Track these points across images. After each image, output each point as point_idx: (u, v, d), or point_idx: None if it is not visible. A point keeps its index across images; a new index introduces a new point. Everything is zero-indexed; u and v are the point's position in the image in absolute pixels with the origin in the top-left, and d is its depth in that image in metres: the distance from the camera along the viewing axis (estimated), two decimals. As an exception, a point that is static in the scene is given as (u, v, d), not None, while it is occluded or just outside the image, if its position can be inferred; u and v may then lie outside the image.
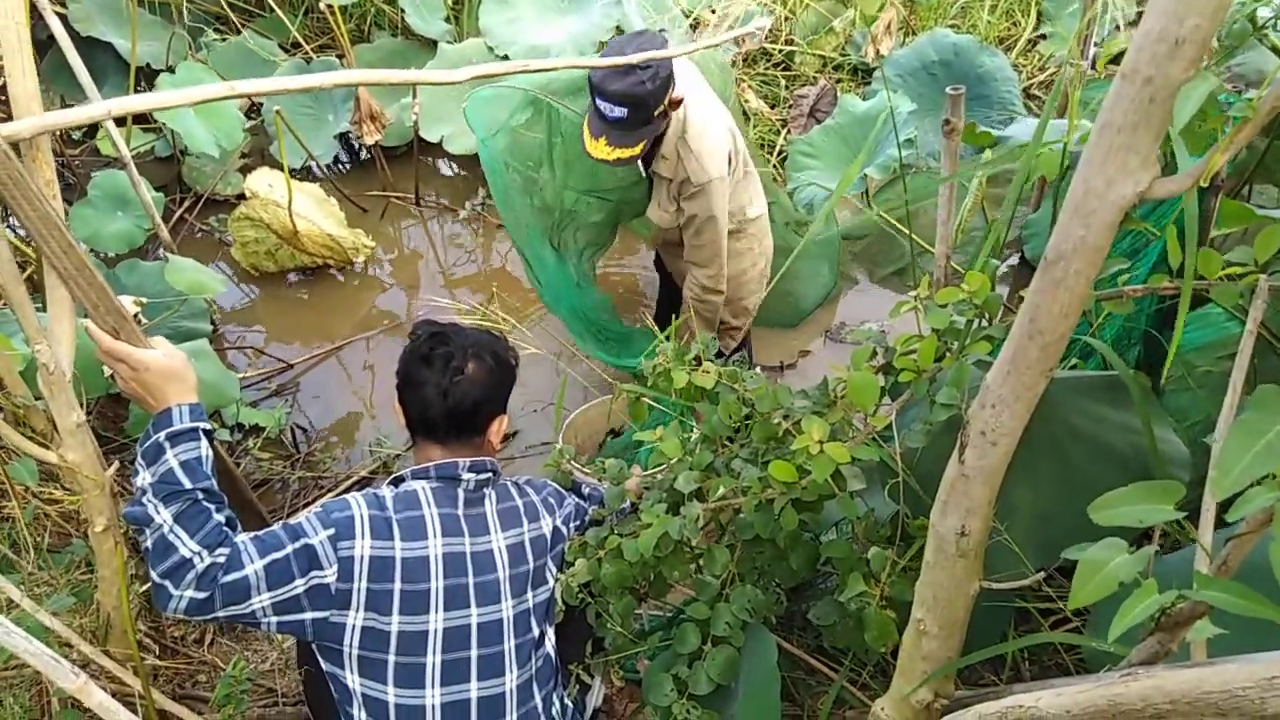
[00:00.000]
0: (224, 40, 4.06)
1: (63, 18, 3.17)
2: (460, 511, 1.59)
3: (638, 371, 1.74)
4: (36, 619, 1.48)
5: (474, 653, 1.52)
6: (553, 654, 1.66)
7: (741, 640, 1.51)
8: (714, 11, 4.47)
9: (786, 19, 4.61)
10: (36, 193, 1.30)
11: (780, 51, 4.58)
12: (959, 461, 1.11)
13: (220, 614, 1.38)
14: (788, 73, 4.56)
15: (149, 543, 1.38)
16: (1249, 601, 0.86)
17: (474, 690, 1.51)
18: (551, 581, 1.67)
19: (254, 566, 1.39)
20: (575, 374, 3.21)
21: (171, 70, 3.73)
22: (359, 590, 1.46)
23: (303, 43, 4.21)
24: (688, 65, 2.60)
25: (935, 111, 4.04)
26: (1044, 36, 4.66)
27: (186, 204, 3.87)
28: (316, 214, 3.50)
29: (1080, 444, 1.50)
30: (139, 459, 1.42)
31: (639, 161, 2.49)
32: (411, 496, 1.56)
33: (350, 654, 1.47)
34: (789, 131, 4.27)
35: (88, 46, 3.73)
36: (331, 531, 1.46)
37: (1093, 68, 3.06)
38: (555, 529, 1.70)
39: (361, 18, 4.37)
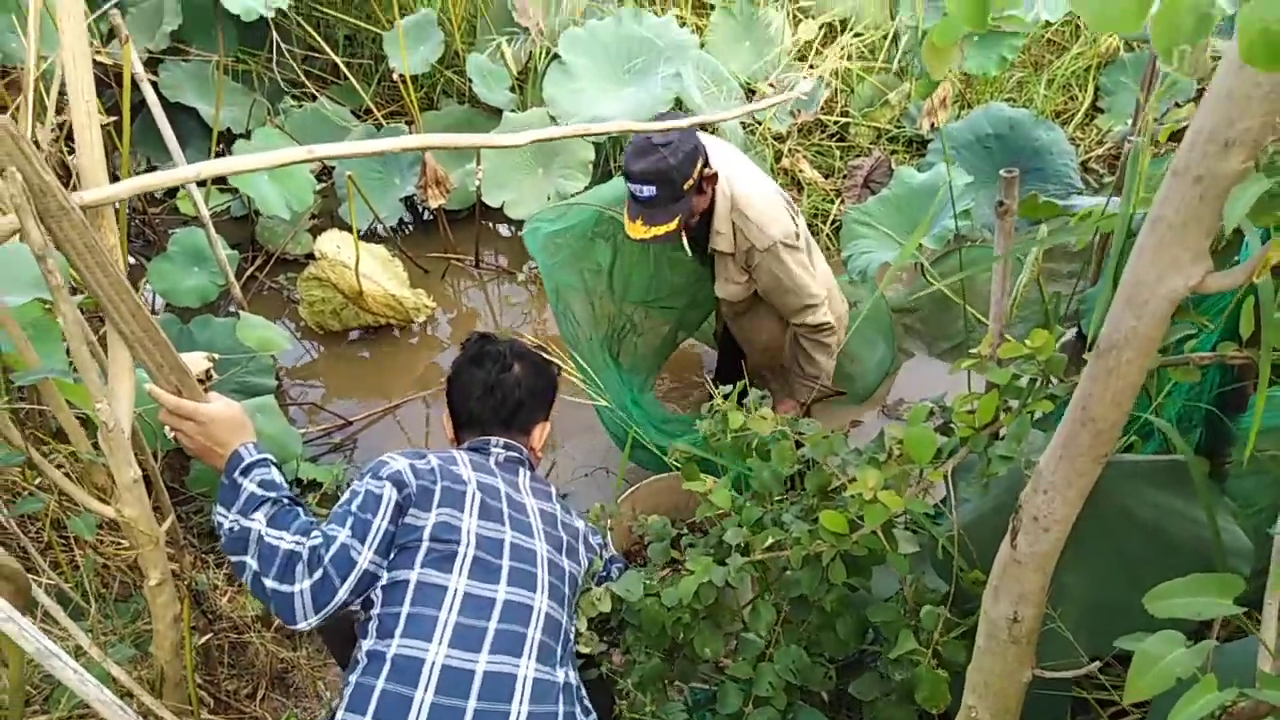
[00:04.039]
0: (300, 106, 4.25)
1: (153, 84, 3.36)
2: (493, 465, 1.68)
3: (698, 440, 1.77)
4: (103, 667, 1.52)
5: (506, 563, 1.53)
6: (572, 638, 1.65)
7: (784, 703, 1.50)
8: (771, 85, 4.57)
9: (841, 91, 4.69)
10: (109, 259, 1.37)
11: (835, 123, 4.65)
12: (1011, 547, 1.10)
13: (342, 593, 1.41)
14: (842, 144, 4.61)
15: (254, 558, 1.41)
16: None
17: (502, 592, 1.50)
18: (581, 567, 1.68)
19: (343, 534, 1.43)
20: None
21: (249, 135, 3.92)
22: (412, 491, 1.51)
23: (374, 110, 4.39)
24: (729, 146, 2.67)
25: (990, 184, 4.05)
26: (1101, 110, 4.66)
27: (258, 262, 4.02)
28: (381, 275, 3.62)
29: (1136, 530, 1.48)
30: (218, 508, 1.46)
31: (687, 241, 2.55)
32: (446, 454, 1.63)
33: (420, 546, 1.49)
34: (843, 201, 4.31)
35: (175, 112, 3.94)
36: (378, 478, 1.53)
37: (1154, 143, 3.05)
38: (585, 537, 1.74)
39: (431, 86, 4.55)
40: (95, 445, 1.61)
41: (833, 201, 4.34)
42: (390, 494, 1.49)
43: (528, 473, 1.73)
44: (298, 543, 1.41)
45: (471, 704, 1.36)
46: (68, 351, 2.12)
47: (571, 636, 1.60)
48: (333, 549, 1.41)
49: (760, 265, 2.49)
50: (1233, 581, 0.93)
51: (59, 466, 1.64)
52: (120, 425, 1.34)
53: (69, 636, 1.57)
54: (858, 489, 1.40)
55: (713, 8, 4.70)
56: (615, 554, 1.86)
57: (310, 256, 3.75)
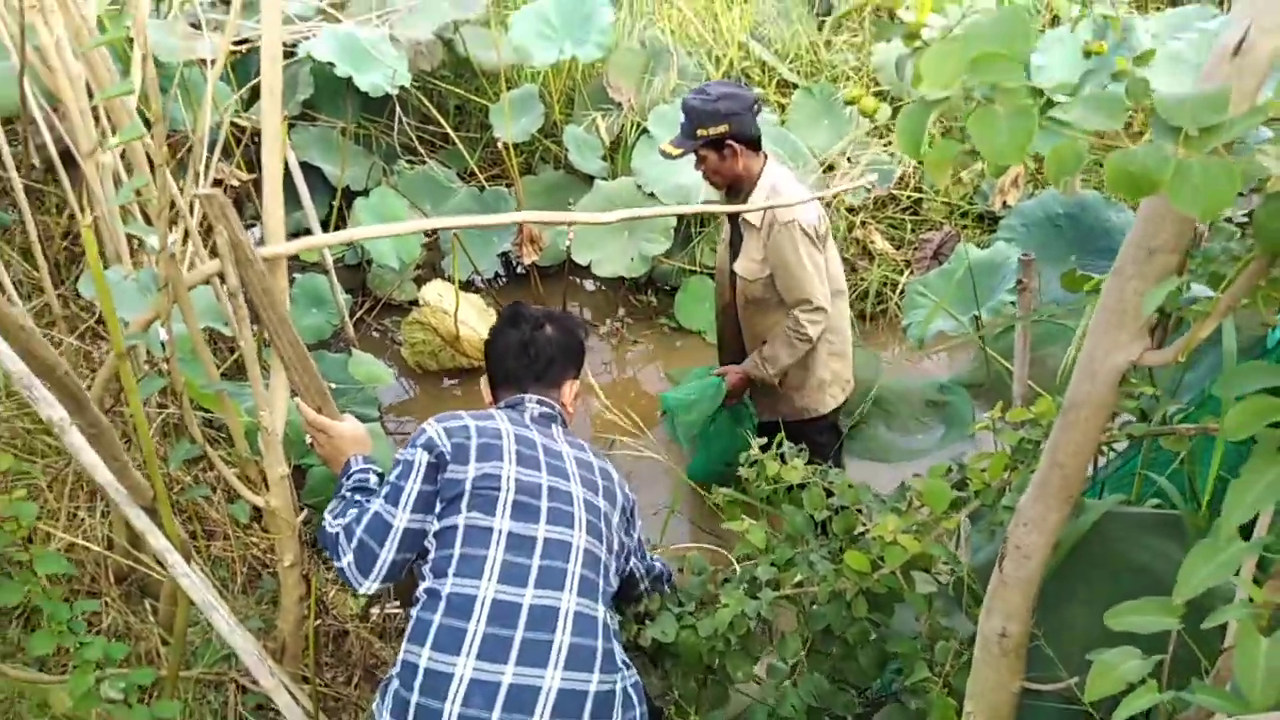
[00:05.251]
0: (412, 168, 4.68)
1: (289, 147, 3.82)
2: (527, 420, 1.80)
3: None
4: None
5: (545, 505, 1.65)
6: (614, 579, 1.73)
7: None
8: (849, 159, 4.84)
9: (916, 167, 4.91)
10: (278, 299, 1.71)
11: (908, 197, 4.87)
12: (999, 571, 1.31)
13: (385, 554, 1.59)
14: (915, 217, 4.83)
15: (324, 546, 1.68)
16: (1230, 704, 1.04)
17: (542, 530, 1.61)
18: (616, 507, 1.76)
19: (377, 502, 1.64)
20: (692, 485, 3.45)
21: (366, 194, 4.36)
22: (446, 450, 1.65)
23: (477, 173, 4.80)
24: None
25: (1059, 262, 4.20)
26: (1174, 194, 4.77)
27: (366, 305, 4.43)
28: (477, 322, 3.97)
29: (1138, 576, 1.64)
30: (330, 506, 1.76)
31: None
32: (482, 413, 1.79)
33: (464, 495, 1.61)
34: (912, 272, 4.51)
35: (301, 170, 4.41)
36: (413, 446, 1.70)
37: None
38: (620, 484, 1.82)
39: (530, 153, 4.95)
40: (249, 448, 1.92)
41: (901, 272, 4.55)
42: (422, 458, 1.65)
43: (560, 427, 1.87)
44: (340, 525, 1.66)
45: (519, 633, 1.50)
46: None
47: (611, 571, 1.71)
48: (365, 519, 1.63)
49: (775, 239, 2.70)
50: (1175, 606, 1.12)
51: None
52: (276, 431, 1.66)
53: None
54: (879, 532, 1.62)
55: (795, 87, 5.01)
56: (658, 561, 1.99)
57: (414, 303, 4.14)
